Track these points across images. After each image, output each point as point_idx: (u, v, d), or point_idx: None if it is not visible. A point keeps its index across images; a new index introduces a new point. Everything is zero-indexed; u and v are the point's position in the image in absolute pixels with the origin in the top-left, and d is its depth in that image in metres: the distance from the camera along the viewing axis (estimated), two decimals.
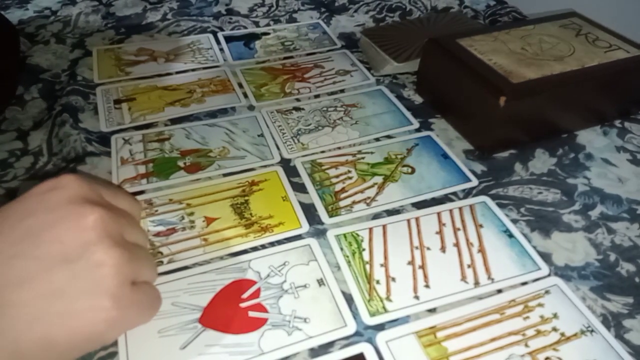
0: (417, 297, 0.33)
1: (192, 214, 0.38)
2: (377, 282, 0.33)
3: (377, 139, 0.46)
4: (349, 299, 0.32)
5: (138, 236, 0.28)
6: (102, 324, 0.24)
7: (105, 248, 0.24)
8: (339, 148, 0.45)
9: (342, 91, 0.52)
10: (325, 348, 0.30)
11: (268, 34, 0.62)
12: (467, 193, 0.41)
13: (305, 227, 0.37)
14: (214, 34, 0.62)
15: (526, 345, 0.30)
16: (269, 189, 0.40)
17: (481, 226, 0.38)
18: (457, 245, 0.36)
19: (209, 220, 0.37)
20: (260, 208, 0.38)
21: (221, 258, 0.35)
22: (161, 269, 0.34)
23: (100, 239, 0.24)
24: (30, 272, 0.23)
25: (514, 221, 0.38)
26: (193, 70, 0.55)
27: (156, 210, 0.38)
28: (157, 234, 0.36)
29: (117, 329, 0.25)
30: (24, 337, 0.23)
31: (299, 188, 0.40)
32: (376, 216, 0.38)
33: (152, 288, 0.28)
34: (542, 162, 0.44)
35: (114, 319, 0.24)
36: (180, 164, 0.42)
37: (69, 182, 0.26)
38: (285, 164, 0.43)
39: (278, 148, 0.44)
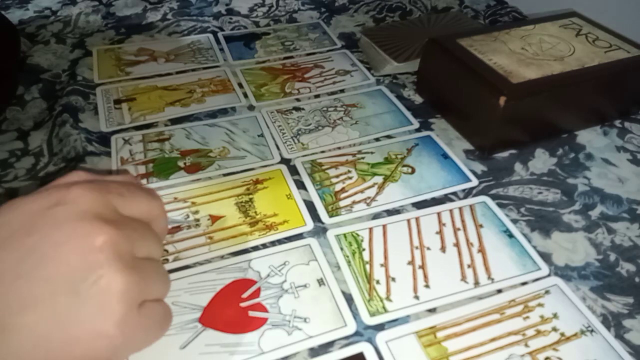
0: (417, 297, 0.33)
1: (197, 212, 0.38)
2: (377, 282, 0.33)
3: (377, 139, 0.46)
4: (349, 299, 0.32)
5: (151, 248, 0.27)
6: (106, 351, 0.23)
7: (113, 272, 0.23)
8: (339, 148, 0.45)
9: (342, 91, 0.52)
10: (325, 348, 0.30)
11: (268, 34, 0.62)
12: (467, 193, 0.41)
13: (309, 225, 0.37)
14: (214, 34, 0.62)
15: (526, 345, 0.30)
16: (273, 187, 0.40)
17: (481, 226, 0.38)
18: (457, 245, 0.36)
19: (214, 219, 0.37)
20: (265, 206, 0.38)
21: (222, 257, 0.35)
22: (165, 267, 0.34)
23: (108, 262, 0.23)
24: (35, 295, 0.23)
25: (514, 221, 0.38)
26: (193, 70, 0.55)
27: None
28: None
29: (121, 355, 0.25)
30: None
31: (299, 187, 0.40)
32: (376, 216, 0.38)
33: (162, 306, 0.27)
34: (542, 162, 0.44)
35: (118, 346, 0.23)
36: (180, 164, 0.42)
37: (78, 195, 0.25)
38: (285, 164, 0.43)
39: (278, 148, 0.44)
